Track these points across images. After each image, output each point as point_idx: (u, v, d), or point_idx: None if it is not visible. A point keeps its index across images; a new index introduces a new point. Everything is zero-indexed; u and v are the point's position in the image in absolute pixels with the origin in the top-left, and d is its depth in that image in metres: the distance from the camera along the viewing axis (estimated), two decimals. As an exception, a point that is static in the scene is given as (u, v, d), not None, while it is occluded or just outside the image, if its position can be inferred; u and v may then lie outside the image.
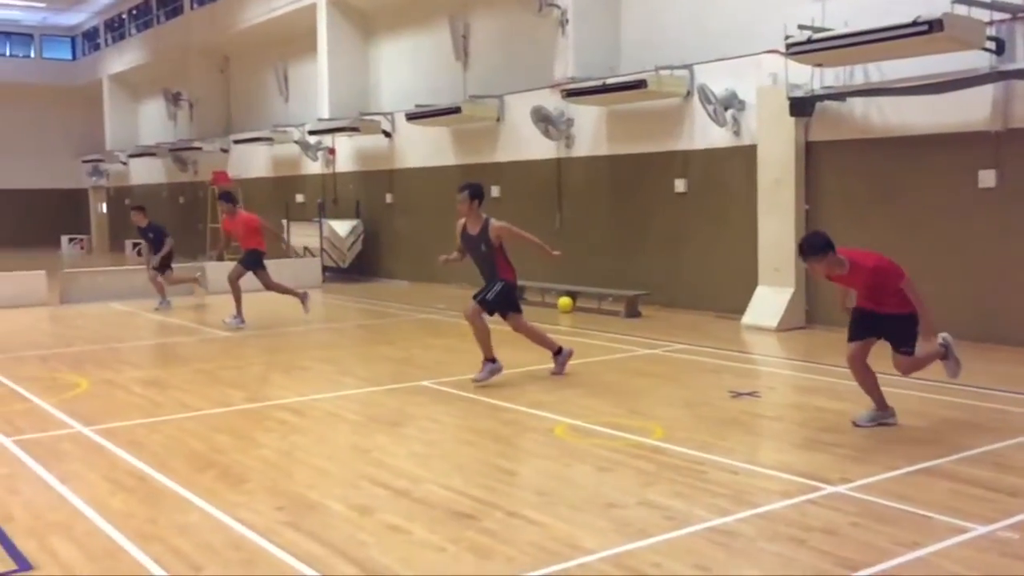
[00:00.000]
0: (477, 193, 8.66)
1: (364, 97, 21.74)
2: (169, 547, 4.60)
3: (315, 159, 22.28)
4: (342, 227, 20.29)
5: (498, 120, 17.17)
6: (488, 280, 8.74)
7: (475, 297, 8.62)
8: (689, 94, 13.60)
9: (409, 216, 19.73)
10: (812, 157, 12.11)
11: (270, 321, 13.79)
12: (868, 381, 6.79)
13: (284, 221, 22.18)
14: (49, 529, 4.88)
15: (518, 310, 8.90)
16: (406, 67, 20.91)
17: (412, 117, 18.31)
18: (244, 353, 11.05)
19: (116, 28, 34.87)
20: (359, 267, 20.44)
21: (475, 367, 8.74)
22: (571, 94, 14.68)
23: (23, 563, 4.42)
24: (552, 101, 15.50)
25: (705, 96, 12.96)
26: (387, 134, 20.08)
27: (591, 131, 15.37)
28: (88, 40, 38.02)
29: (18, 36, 38.23)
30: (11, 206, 35.74)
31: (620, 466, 5.93)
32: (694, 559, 4.36)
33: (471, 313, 8.54)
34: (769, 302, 12.12)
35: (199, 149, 27.25)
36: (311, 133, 21.75)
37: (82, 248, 33.65)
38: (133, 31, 33.27)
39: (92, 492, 5.52)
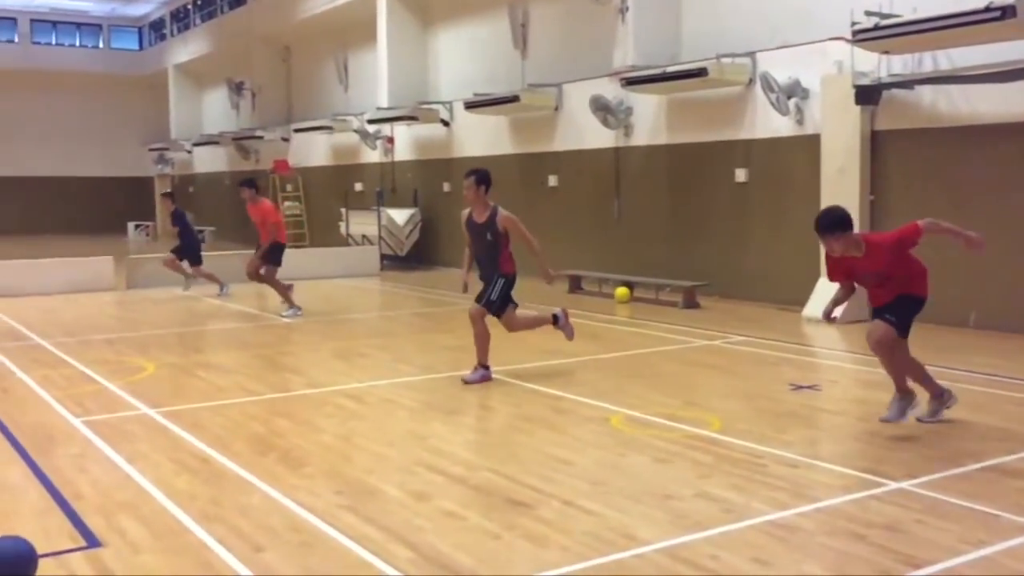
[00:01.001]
0: (484, 179, 8.32)
1: (423, 86, 21.85)
2: (231, 527, 4.69)
3: (374, 148, 22.47)
4: (400, 215, 20.44)
5: (556, 109, 17.12)
6: (487, 274, 8.34)
7: (478, 300, 8.23)
8: (751, 82, 13.41)
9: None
10: (878, 147, 11.85)
11: (328, 308, 13.96)
12: (915, 371, 6.41)
13: (343, 209, 22.45)
14: (117, 508, 5.01)
15: (513, 304, 8.44)
16: (465, 56, 20.94)
17: (470, 106, 18.34)
18: (303, 339, 11.20)
19: (181, 18, 35.52)
20: (416, 255, 20.58)
21: (530, 356, 8.75)
22: (630, 82, 14.56)
23: (92, 540, 4.55)
24: (611, 90, 15.40)
25: (768, 84, 12.76)
26: (445, 123, 20.15)
27: (650, 120, 15.24)
28: (154, 30, 38.79)
29: (87, 27, 39.16)
30: (80, 193, 36.66)
31: (677, 457, 5.89)
32: (752, 552, 4.32)
33: (474, 316, 8.22)
34: (831, 294, 11.86)
35: (261, 138, 27.66)
36: (370, 122, 21.92)
37: (147, 235, 34.41)
38: (198, 21, 33.85)
39: (158, 472, 5.65)
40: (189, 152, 34.00)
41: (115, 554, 4.37)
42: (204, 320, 13.24)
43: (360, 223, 21.65)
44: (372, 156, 22.82)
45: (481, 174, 8.35)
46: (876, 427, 6.62)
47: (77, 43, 39.16)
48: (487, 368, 8.28)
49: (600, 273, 15.29)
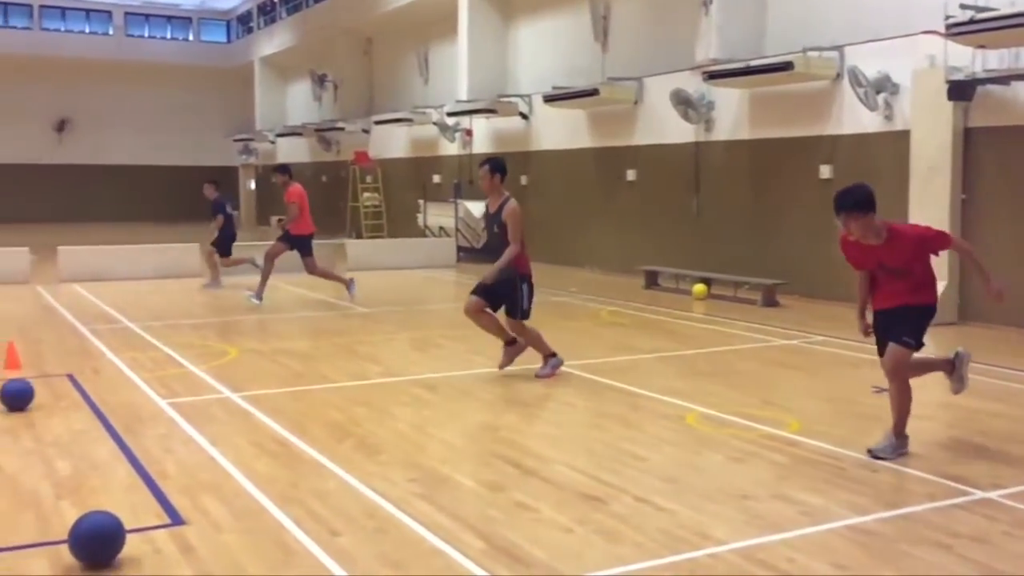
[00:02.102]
0: (499, 167, 8.10)
1: (502, 79, 21.90)
2: (308, 511, 4.78)
3: (452, 140, 22.61)
4: (477, 208, 20.51)
5: (636, 103, 16.98)
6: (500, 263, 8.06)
7: (511, 315, 8.03)
8: (838, 76, 13.08)
9: (543, 198, 19.77)
10: (971, 144, 11.45)
11: (405, 298, 14.11)
12: (924, 366, 6.04)
13: (421, 201, 22.66)
14: (200, 487, 5.15)
15: (493, 306, 8.15)
16: (545, 49, 20.92)
17: (549, 99, 18.32)
18: (381, 328, 11.34)
19: (268, 12, 36.25)
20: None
21: (605, 351, 8.69)
22: (713, 76, 14.36)
23: (176, 518, 4.69)
24: (693, 83, 15.20)
25: (856, 79, 12.43)
26: (524, 116, 20.17)
27: (732, 114, 15.01)
28: (242, 23, 39.67)
29: (178, 20, 40.26)
30: (167, 182, 37.71)
31: (753, 457, 5.80)
32: (831, 557, 4.22)
33: (514, 328, 8.10)
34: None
35: (342, 129, 28.09)
36: (449, 115, 22.07)
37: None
38: (283, 14, 34.50)
39: (239, 455, 5.79)
40: (272, 143, 34.71)
41: (198, 532, 4.49)
42: (284, 308, 13.50)
43: (437, 215, 21.83)
44: (450, 148, 22.97)
45: (495, 162, 8.18)
46: (963, 434, 6.42)
47: (168, 36, 40.29)
48: (554, 355, 8.20)
49: (677, 269, 15.12)
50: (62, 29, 37.73)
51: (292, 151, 33.41)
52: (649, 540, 4.42)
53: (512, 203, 8.00)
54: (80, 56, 36.94)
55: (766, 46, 14.71)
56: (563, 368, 8.42)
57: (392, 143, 26.06)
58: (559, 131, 19.17)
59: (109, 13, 38.28)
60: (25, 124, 36.65)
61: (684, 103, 15.22)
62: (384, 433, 6.38)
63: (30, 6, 36.89)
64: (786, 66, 13.03)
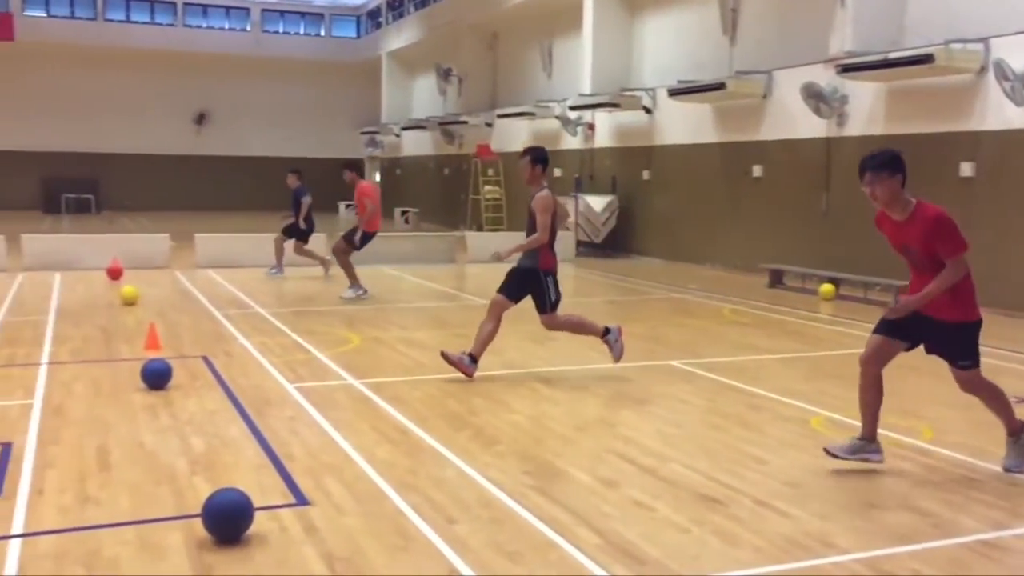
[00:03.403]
0: (540, 158, 7.83)
1: (626, 72, 21.72)
2: (426, 498, 4.86)
3: (574, 134, 22.58)
4: (597, 202, 20.46)
5: (764, 97, 16.57)
6: (526, 257, 7.92)
7: (541, 310, 7.90)
8: (983, 70, 12.43)
9: (666, 194, 19.54)
10: None
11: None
12: (871, 397, 5.43)
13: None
14: (324, 470, 5.32)
15: (516, 300, 7.97)
16: (671, 41, 20.64)
17: (674, 93, 18.07)
18: (499, 320, 11.42)
19: (396, 7, 36.99)
20: (612, 243, 20.54)
21: (726, 350, 8.53)
22: (847, 69, 13.87)
23: (301, 498, 4.85)
24: (825, 77, 14.73)
25: (1002, 72, 11.79)
26: (647, 110, 19.95)
27: (867, 109, 14.46)
28: (371, 19, 40.64)
29: (311, 16, 41.56)
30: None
31: (883, 466, 5.58)
32: (961, 571, 4.04)
33: (551, 325, 7.99)
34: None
35: (465, 123, 28.43)
36: (572, 108, 22.03)
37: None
38: (411, 10, 35.15)
39: (360, 440, 5.95)
40: (398, 136, 35.45)
41: (321, 513, 4.63)
42: (406, 298, 13.79)
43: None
44: (572, 142, 22.95)
45: (536, 152, 7.92)
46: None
47: (301, 32, 41.64)
48: (608, 330, 7.90)
49: (803, 268, 14.70)
50: (203, 26, 39.48)
51: (416, 144, 34.05)
52: (769, 545, 4.31)
53: (543, 192, 7.77)
54: (219, 52, 38.61)
55: (904, 38, 14.10)
56: (682, 366, 8.29)
57: (514, 137, 26.20)
58: (683, 125, 18.89)
59: (247, 10, 39.83)
60: (167, 117, 38.58)
61: (815, 97, 14.76)
62: (501, 425, 6.43)
63: (174, 4, 38.74)
64: (926, 59, 12.47)
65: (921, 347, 5.46)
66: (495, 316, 7.94)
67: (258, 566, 4.03)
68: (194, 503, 4.58)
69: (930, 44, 12.65)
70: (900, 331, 5.31)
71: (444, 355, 7.78)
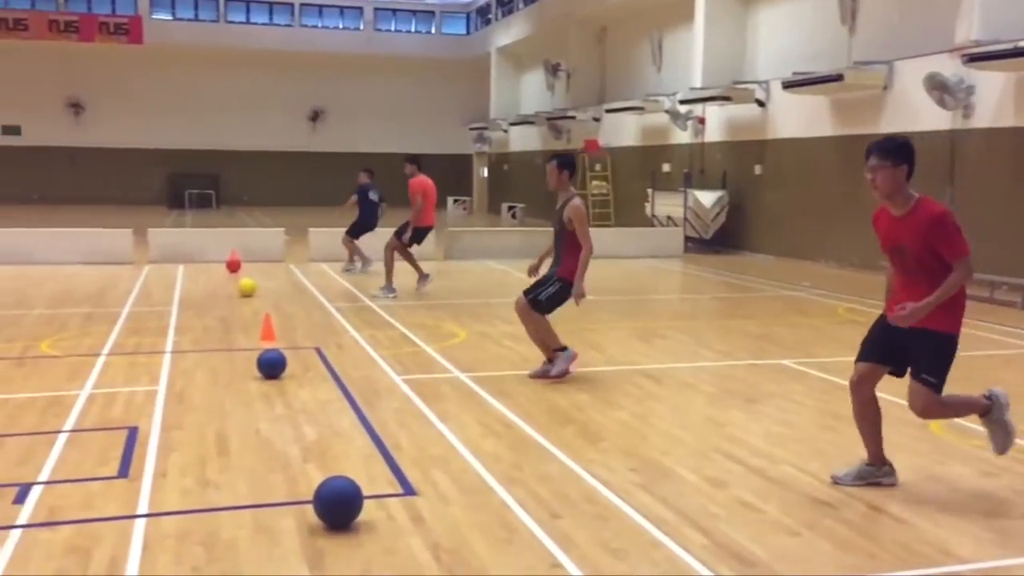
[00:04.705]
0: (567, 164, 7.66)
1: (738, 65, 21.29)
2: (531, 492, 4.88)
3: (684, 128, 22.26)
4: (707, 198, 20.13)
5: (885, 88, 15.99)
6: (552, 264, 7.77)
7: (527, 293, 7.66)
8: (1123, 56, 11.71)
9: (778, 189, 19.08)
10: None
11: (630, 287, 14.08)
12: (868, 419, 5.08)
13: (649, 190, 22.49)
14: (430, 462, 5.40)
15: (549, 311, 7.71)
16: (785, 32, 20.12)
17: (788, 85, 17.62)
18: (604, 317, 11.37)
19: (506, 3, 37.19)
20: (721, 239, 20.18)
21: (843, 350, 8.26)
22: (974, 59, 13.26)
23: (408, 488, 4.94)
24: (950, 67, 14.12)
25: None
26: (760, 103, 19.51)
27: (995, 100, 13.80)
28: (480, 16, 40.96)
29: (422, 14, 42.17)
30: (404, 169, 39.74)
31: (1006, 473, 5.33)
32: (1096, 590, 3.82)
33: (520, 310, 7.70)
34: None
35: (573, 118, 28.37)
36: (682, 102, 21.74)
37: (465, 209, 36.57)
38: (520, 5, 35.27)
39: (466, 433, 6.01)
40: (505, 131, 35.63)
41: (428, 504, 4.70)
42: (513, 292, 13.81)
43: (665, 204, 21.59)
44: (681, 137, 22.64)
45: (564, 158, 7.73)
46: None
47: (412, 29, 42.30)
48: (564, 348, 7.62)
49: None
50: (319, 25, 40.54)
51: (524, 139, 34.16)
52: (884, 551, 4.17)
53: (576, 201, 7.59)
54: (333, 51, 39.56)
55: (1037, 24, 13.40)
56: (794, 366, 8.09)
57: (622, 131, 26.02)
58: (798, 118, 18.40)
59: (360, 9, 40.69)
60: (284, 114, 39.78)
61: (939, 88, 14.17)
62: (606, 421, 6.40)
63: (291, 5, 39.89)
64: (1060, 46, 11.82)
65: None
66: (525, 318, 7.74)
67: (367, 553, 4.12)
68: (306, 490, 4.71)
69: (1066, 30, 11.99)
70: (887, 356, 4.94)
71: (539, 376, 7.64)
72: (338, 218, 15.94)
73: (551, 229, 7.85)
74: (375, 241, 14.42)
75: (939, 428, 6.28)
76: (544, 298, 7.62)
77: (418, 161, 13.26)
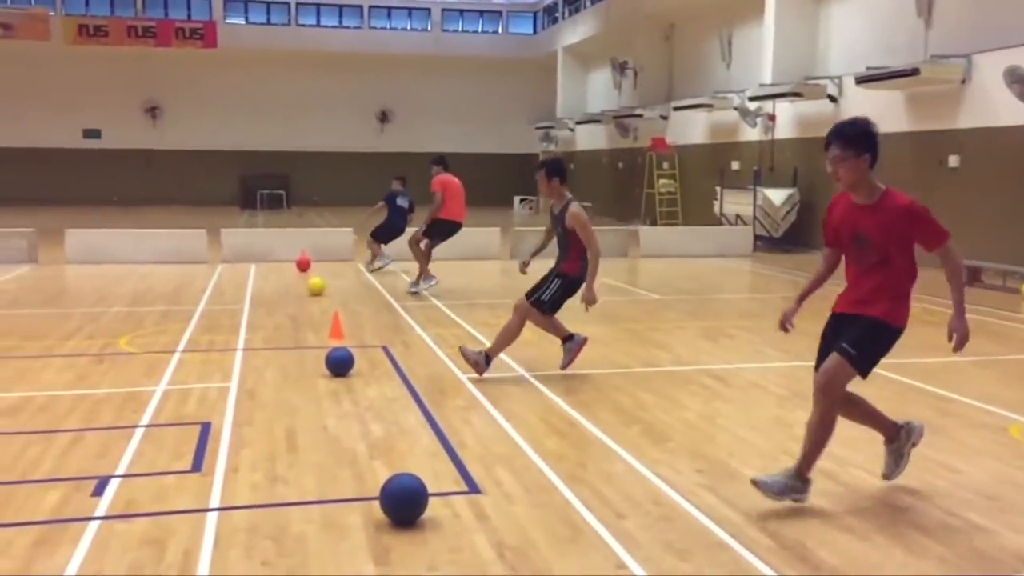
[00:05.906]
0: (556, 170, 7.63)
1: (810, 60, 20.90)
2: (595, 492, 4.87)
3: (753, 126, 21.94)
4: (777, 196, 19.81)
5: (963, 82, 15.54)
6: (556, 262, 7.80)
7: (528, 296, 7.71)
8: None
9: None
10: None
11: (697, 287, 13.93)
12: (858, 412, 4.90)
13: (718, 188, 22.23)
14: (494, 460, 5.42)
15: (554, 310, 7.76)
16: (859, 26, 19.69)
17: (862, 80, 17.24)
18: (670, 316, 11.28)
19: (573, 1, 37.10)
20: (792, 237, 19.84)
21: (916, 352, 8.06)
22: (1056, 50, 12.81)
23: (473, 486, 4.96)
24: (1030, 59, 13.67)
25: None
26: (833, 99, 19.13)
27: (1078, 93, 13.31)
28: (547, 15, 40.95)
29: (490, 14, 42.33)
30: (472, 168, 39.81)
31: (1090, 480, 5.13)
32: None
33: (522, 313, 7.67)
34: None
35: (640, 116, 28.18)
36: (751, 99, 21.42)
37: (531, 209, 36.57)
38: (587, 3, 35.15)
39: (530, 431, 6.02)
40: (572, 130, 35.55)
41: (492, 502, 4.72)
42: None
43: (734, 202, 21.31)
44: (751, 134, 22.32)
45: (550, 165, 7.68)
46: None
47: (479, 29, 42.49)
48: (488, 362, 7.56)
49: (1005, 265, 13.70)
50: (387, 27, 40.99)
51: (590, 138, 34.05)
52: (958, 558, 4.06)
53: (573, 207, 7.56)
54: (401, 52, 39.97)
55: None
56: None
57: (690, 129, 25.76)
58: (872, 114, 17.51)
59: (428, 10, 41.02)
60: (352, 115, 40.33)
61: (1020, 81, 13.72)
62: (672, 421, 6.35)
63: (360, 7, 40.41)
64: None
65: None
66: (530, 321, 7.79)
67: (432, 550, 4.15)
68: (373, 486, 4.77)
69: None
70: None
71: (566, 364, 7.73)
72: (364, 222, 16.05)
73: (554, 230, 7.89)
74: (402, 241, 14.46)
75: (1020, 433, 6.08)
76: (547, 298, 7.72)
77: (444, 162, 13.33)
